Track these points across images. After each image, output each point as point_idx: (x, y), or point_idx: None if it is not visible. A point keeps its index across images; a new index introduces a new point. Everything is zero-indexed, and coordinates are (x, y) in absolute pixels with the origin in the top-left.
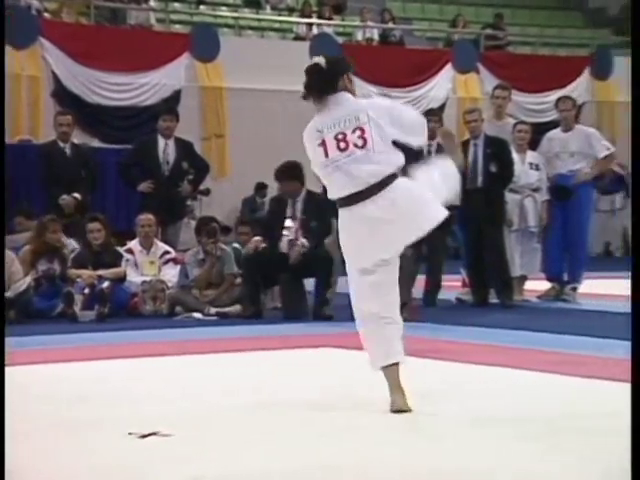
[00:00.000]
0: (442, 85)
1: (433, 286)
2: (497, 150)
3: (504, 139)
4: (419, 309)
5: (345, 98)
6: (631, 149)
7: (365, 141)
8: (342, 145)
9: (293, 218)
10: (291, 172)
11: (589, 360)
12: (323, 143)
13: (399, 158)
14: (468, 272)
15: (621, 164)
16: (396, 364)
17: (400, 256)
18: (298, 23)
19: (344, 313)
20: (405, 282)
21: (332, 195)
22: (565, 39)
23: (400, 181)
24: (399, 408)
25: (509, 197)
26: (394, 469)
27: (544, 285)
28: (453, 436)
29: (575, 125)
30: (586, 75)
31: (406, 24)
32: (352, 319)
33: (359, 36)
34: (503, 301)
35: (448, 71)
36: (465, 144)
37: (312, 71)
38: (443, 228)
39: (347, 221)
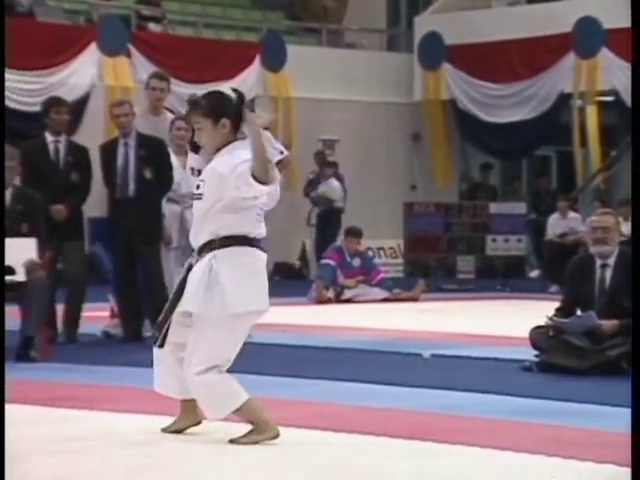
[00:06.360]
0: (85, 70)
1: (72, 317)
2: (152, 152)
3: (161, 138)
4: (51, 346)
5: None
6: (632, 149)
7: None
8: None
9: None
10: None
11: None
12: None
13: None
14: (117, 299)
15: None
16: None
17: (30, 279)
18: None
19: None
20: (36, 313)
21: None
22: (231, 21)
23: None
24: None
25: (167, 208)
26: None
27: None
28: None
29: None
30: (256, 64)
31: None
32: None
33: None
34: None
35: (92, 53)
36: (112, 144)
37: None
38: (79, 240)
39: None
